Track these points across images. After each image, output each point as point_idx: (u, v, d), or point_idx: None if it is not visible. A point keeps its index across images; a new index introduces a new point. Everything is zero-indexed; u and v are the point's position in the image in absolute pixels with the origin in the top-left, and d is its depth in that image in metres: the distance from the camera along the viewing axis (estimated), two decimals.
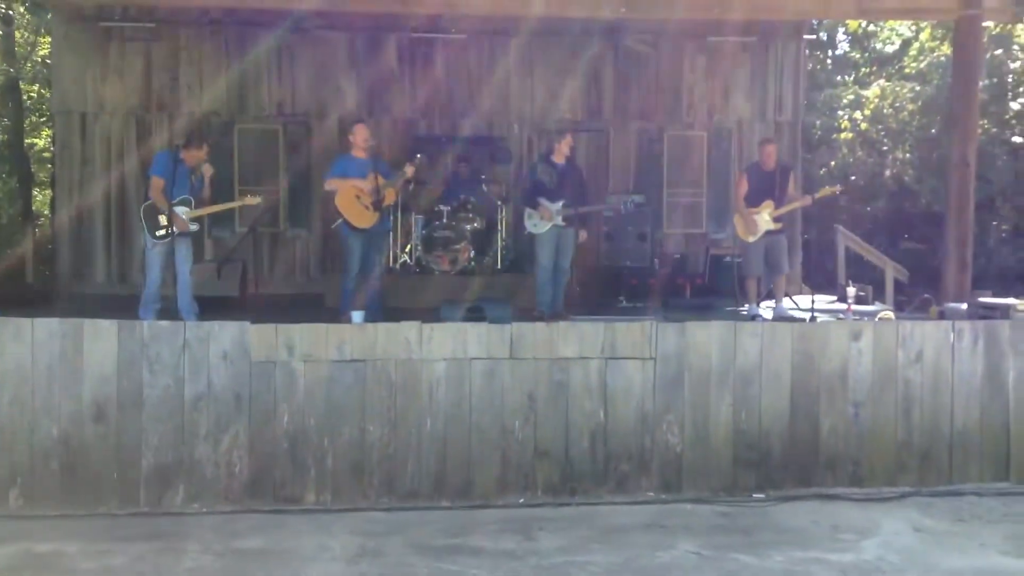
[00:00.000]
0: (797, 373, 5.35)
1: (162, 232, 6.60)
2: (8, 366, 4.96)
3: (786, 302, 7.95)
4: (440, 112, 10.47)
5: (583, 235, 7.37)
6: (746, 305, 7.70)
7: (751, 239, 7.62)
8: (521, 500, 5.19)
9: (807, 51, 12.82)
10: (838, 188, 8.73)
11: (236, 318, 5.22)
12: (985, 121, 12.18)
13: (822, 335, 5.42)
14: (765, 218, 7.56)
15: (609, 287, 9.54)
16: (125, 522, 4.78)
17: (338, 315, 6.37)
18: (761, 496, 5.25)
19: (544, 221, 7.13)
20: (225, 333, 5.08)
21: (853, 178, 13.80)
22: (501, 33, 10.22)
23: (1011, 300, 5.94)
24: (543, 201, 7.09)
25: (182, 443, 4.99)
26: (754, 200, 7.63)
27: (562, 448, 5.25)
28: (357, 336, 5.22)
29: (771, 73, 10.99)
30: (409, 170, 7.00)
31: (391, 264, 9.07)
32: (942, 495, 5.24)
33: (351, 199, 6.74)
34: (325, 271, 9.70)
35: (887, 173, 13.92)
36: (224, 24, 10.01)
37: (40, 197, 15.36)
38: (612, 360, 5.30)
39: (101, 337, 4.98)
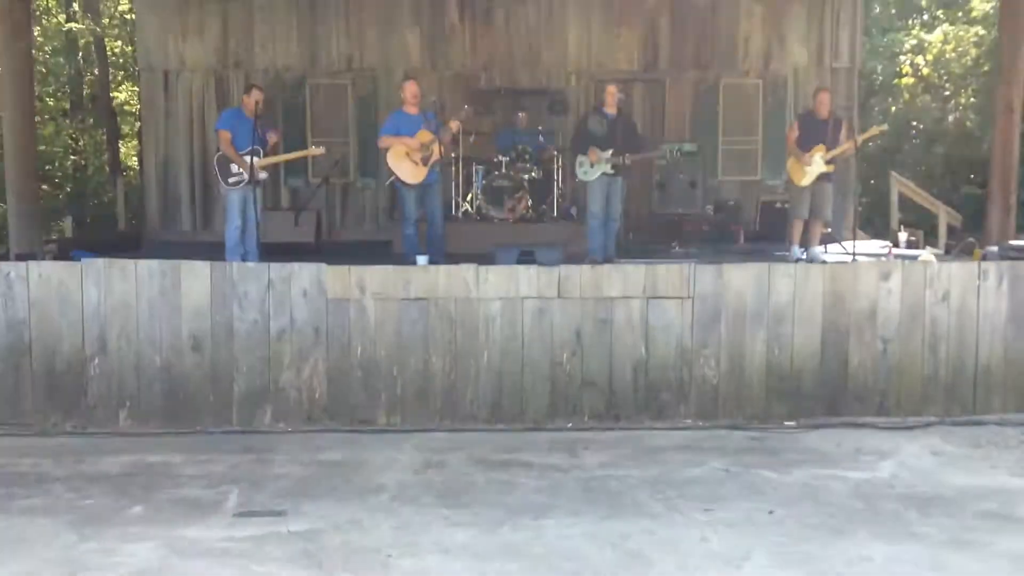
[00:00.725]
0: (828, 312, 5.72)
1: (234, 180, 7.25)
2: (115, 302, 5.63)
3: (829, 247, 8.24)
4: (499, 65, 10.89)
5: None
6: (790, 247, 8.03)
7: (803, 182, 7.92)
8: (569, 425, 5.71)
9: None
10: (884, 127, 8.89)
11: (312, 261, 5.81)
12: None
13: (852, 275, 5.78)
14: (817, 161, 7.82)
15: (663, 233, 9.94)
16: (220, 439, 5.45)
17: (403, 259, 6.93)
18: (792, 424, 5.68)
19: (594, 168, 7.54)
20: (305, 273, 5.67)
21: (915, 123, 13.81)
22: None
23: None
24: (594, 148, 7.49)
25: (268, 370, 5.63)
26: (806, 146, 7.91)
27: (606, 379, 5.74)
28: (421, 276, 5.76)
29: (827, 19, 11.12)
30: (453, 125, 7.44)
31: (453, 211, 9.61)
32: (965, 424, 5.60)
33: (401, 155, 7.22)
34: (392, 219, 10.30)
35: (950, 118, 13.88)
36: None
37: (124, 149, 16.27)
38: (653, 299, 5.75)
39: (196, 276, 5.62)
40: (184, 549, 3.79)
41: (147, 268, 5.67)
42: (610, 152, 7.54)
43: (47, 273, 5.62)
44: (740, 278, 5.77)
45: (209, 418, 5.64)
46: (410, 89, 7.39)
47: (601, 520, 4.12)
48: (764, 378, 5.76)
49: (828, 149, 7.80)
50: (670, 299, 5.77)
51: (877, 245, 9.79)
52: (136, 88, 14.54)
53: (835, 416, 5.73)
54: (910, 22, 16.27)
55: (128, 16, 14.81)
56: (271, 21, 10.79)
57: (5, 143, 8.51)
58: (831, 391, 5.77)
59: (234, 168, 7.28)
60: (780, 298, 5.74)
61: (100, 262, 5.65)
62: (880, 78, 14.46)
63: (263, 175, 7.41)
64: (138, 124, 14.99)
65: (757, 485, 4.60)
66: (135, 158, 16.39)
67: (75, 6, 14.75)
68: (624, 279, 5.77)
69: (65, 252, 8.11)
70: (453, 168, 9.62)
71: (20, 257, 7.09)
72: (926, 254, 7.99)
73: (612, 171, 7.57)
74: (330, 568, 3.62)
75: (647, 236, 10.06)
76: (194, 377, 5.64)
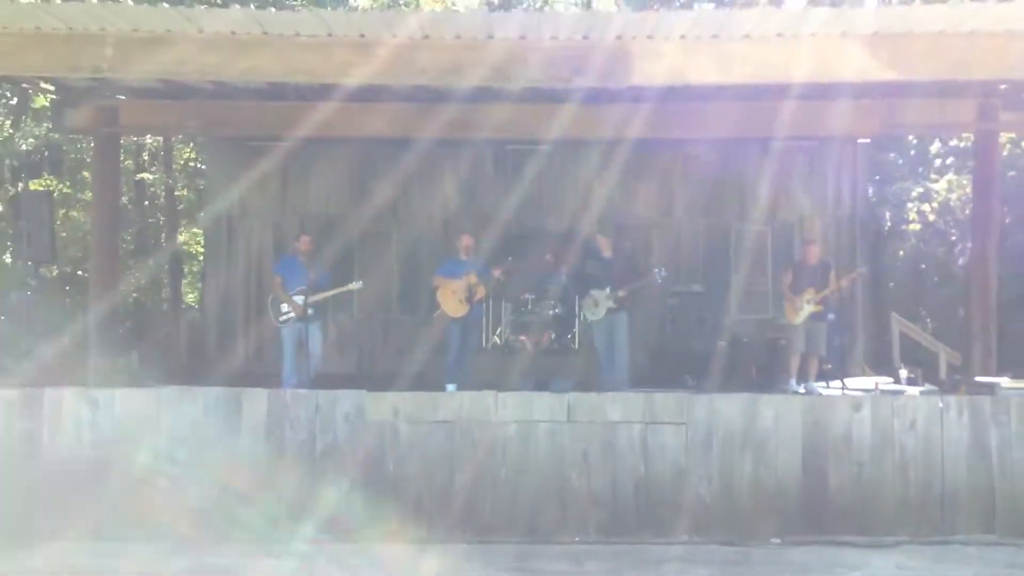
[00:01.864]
0: (807, 438, 6.43)
1: (284, 318, 8.36)
2: (184, 424, 6.54)
3: (830, 382, 8.99)
4: (530, 213, 12.01)
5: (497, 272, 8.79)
6: (788, 380, 8.79)
7: (796, 321, 8.77)
8: (577, 539, 6.39)
9: (875, 149, 13.94)
10: (862, 271, 9.81)
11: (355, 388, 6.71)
12: None
13: (829, 405, 6.52)
14: (807, 302, 8.69)
15: (679, 367, 10.71)
16: (271, 545, 6.23)
17: (436, 386, 7.83)
18: (778, 540, 6.30)
19: (596, 308, 8.49)
20: (347, 399, 6.56)
21: (923, 267, 14.61)
22: (583, 144, 11.72)
23: (1000, 379, 6.87)
24: (593, 291, 8.46)
25: (312, 483, 6.43)
26: (797, 289, 8.81)
27: (610, 496, 6.45)
28: (448, 401, 6.62)
29: (828, 173, 12.13)
30: (496, 272, 8.60)
31: (484, 344, 10.52)
32: (933, 543, 6.17)
33: (448, 294, 8.37)
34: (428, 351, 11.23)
35: (960, 261, 14.63)
36: (347, 142, 11.85)
37: (187, 289, 17.60)
38: (651, 424, 6.52)
39: (256, 400, 6.54)
40: None
41: (213, 393, 6.60)
42: (608, 290, 8.48)
43: (127, 397, 6.59)
44: (729, 406, 6.53)
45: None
46: (465, 241, 8.85)
47: None
48: (753, 498, 6.42)
49: (817, 291, 8.68)
50: (667, 424, 6.53)
51: (876, 381, 10.44)
52: (197, 231, 15.90)
53: (818, 534, 6.34)
54: (920, 170, 17.30)
55: (193, 164, 16.39)
56: (325, 173, 12.07)
57: (91, 287, 9.64)
58: (814, 510, 6.40)
59: (284, 308, 8.38)
60: (765, 424, 6.48)
61: (174, 390, 6.61)
62: (889, 224, 15.40)
63: (310, 311, 8.45)
64: (195, 265, 16.39)
65: None
66: (190, 295, 17.72)
67: (144, 155, 16.36)
68: (625, 405, 6.56)
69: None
70: (484, 306, 10.59)
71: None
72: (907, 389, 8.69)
73: (614, 305, 8.50)
74: None
75: (665, 370, 10.82)
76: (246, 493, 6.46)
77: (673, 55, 6.33)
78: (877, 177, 15.32)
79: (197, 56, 6.68)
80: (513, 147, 11.89)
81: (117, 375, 9.43)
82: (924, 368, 10.71)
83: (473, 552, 6.09)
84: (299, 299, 8.46)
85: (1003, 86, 8.14)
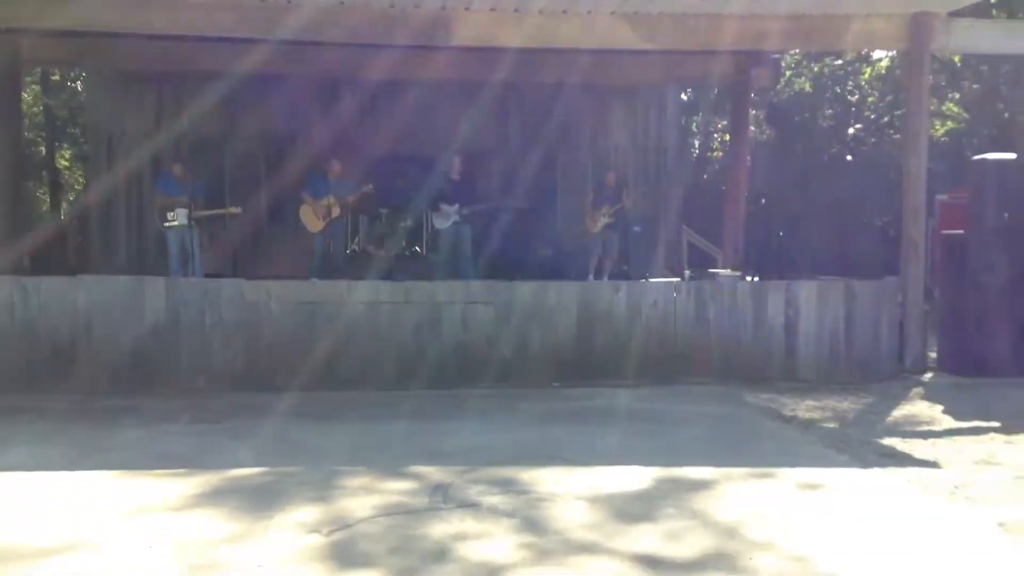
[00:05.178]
0: (580, 312, 8.71)
1: (168, 224, 10.06)
2: (97, 303, 8.21)
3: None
4: (386, 139, 13.76)
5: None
6: (588, 276, 11.13)
7: (595, 230, 11.07)
8: (409, 388, 8.49)
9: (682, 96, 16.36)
10: (643, 190, 12.25)
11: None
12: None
13: (596, 289, 8.83)
14: (603, 215, 10.99)
15: (512, 272, 12.89)
16: (173, 395, 8.05)
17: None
18: (557, 384, 8.58)
19: (444, 220, 10.52)
20: (230, 285, 8.39)
21: (724, 188, 17.32)
22: (437, 81, 13.51)
23: (723, 271, 9.36)
24: (442, 205, 10.48)
25: (203, 349, 8.27)
26: (597, 205, 11.09)
27: (438, 357, 8.56)
28: (310, 288, 8.55)
29: (638, 112, 14.41)
30: (366, 190, 10.50)
31: (345, 251, 12.40)
32: (666, 384, 8.59)
33: (309, 211, 10.20)
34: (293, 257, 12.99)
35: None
36: (222, 75, 13.24)
37: (65, 204, 18.57)
38: (469, 304, 8.65)
39: (156, 286, 8.27)
40: (165, 432, 6.47)
41: (122, 280, 8.30)
42: (456, 207, 10.52)
43: (50, 283, 8.20)
44: (524, 289, 8.73)
45: (167, 386, 8.19)
46: (335, 167, 10.68)
47: (412, 421, 6.96)
48: (541, 355, 8.68)
49: (611, 207, 11.00)
50: (480, 304, 8.67)
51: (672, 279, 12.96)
52: (71, 151, 16.89)
53: (587, 380, 8.65)
54: (728, 106, 20.01)
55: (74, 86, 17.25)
56: (199, 98, 13.43)
57: None
58: (585, 364, 8.71)
59: (169, 215, 10.05)
60: (550, 302, 8.72)
61: (89, 277, 8.27)
62: (696, 152, 17.95)
63: (186, 221, 10.15)
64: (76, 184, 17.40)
65: (518, 408, 7.52)
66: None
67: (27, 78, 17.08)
68: (449, 289, 8.67)
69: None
70: (345, 219, 12.42)
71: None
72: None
73: (459, 218, 10.55)
74: (246, 438, 6.35)
75: (500, 275, 12.98)
76: (155, 357, 8.24)
77: (484, 23, 8.29)
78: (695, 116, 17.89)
79: (99, 15, 8.18)
80: (375, 84, 13.53)
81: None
82: (706, 267, 13.32)
83: (334, 396, 8.09)
84: (182, 211, 10.12)
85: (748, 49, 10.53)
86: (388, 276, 9.48)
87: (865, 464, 5.91)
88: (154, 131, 13.46)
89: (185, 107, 13.44)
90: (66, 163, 18.25)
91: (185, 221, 10.10)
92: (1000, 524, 4.68)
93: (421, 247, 12.65)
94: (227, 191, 13.07)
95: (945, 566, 4.12)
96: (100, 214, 13.58)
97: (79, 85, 17.13)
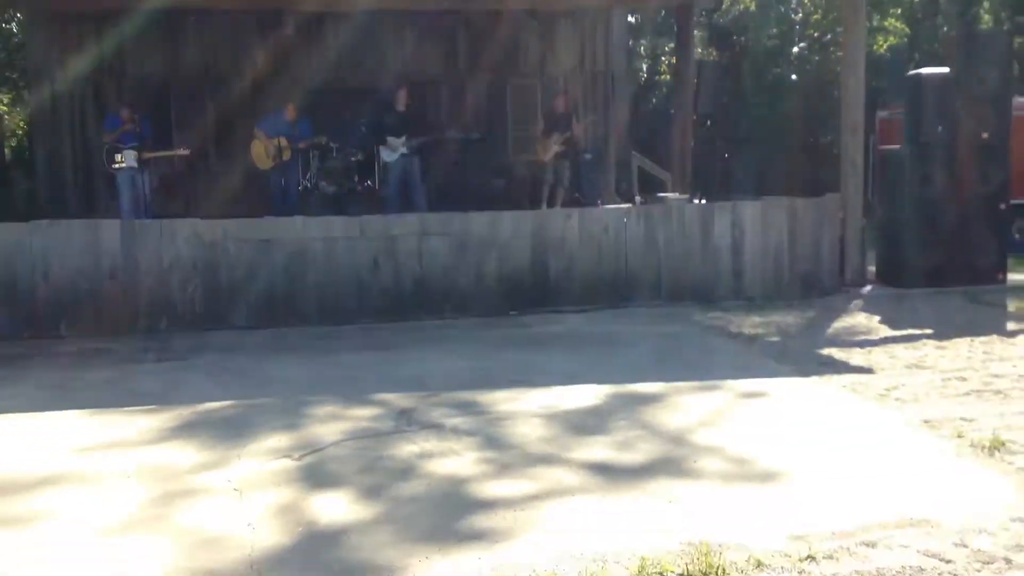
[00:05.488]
0: (534, 240, 8.91)
1: (117, 166, 10.01)
2: (52, 247, 8.22)
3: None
4: (333, 73, 13.66)
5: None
6: (541, 204, 11.31)
7: (545, 159, 11.21)
8: (370, 320, 8.68)
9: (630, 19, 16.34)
10: (593, 119, 12.42)
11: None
12: None
13: (549, 216, 9.03)
14: (554, 143, 11.13)
15: (465, 202, 13.01)
16: (135, 337, 8.15)
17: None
18: (515, 312, 8.83)
19: (392, 153, 10.57)
20: (186, 225, 8.44)
21: (672, 111, 17.50)
22: (382, 11, 13.38)
23: (672, 195, 9.59)
24: (389, 138, 10.52)
25: (162, 290, 8.36)
26: (548, 132, 11.19)
27: (395, 290, 8.75)
28: (266, 225, 8.63)
29: (586, 36, 14.43)
30: (318, 139, 10.66)
31: (299, 186, 12.38)
32: (619, 307, 8.90)
33: (260, 148, 10.17)
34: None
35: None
36: (163, 11, 12.95)
37: (7, 150, 18.10)
38: (424, 236, 8.80)
39: (112, 229, 8.29)
40: (132, 371, 6.61)
41: (79, 224, 8.30)
42: (403, 139, 10.56)
43: (4, 229, 8.18)
44: (479, 220, 8.90)
45: (123, 324, 8.29)
46: (290, 111, 10.74)
47: (375, 352, 7.18)
48: (497, 284, 8.90)
49: (561, 135, 11.12)
50: (436, 235, 8.83)
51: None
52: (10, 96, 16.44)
53: (542, 306, 8.92)
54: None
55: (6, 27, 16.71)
56: (141, 36, 13.17)
57: None
58: (539, 291, 8.95)
59: (117, 157, 9.99)
60: (505, 232, 8.90)
61: (44, 222, 8.26)
62: (644, 75, 18.02)
63: (135, 164, 10.13)
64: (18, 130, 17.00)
65: (476, 336, 7.77)
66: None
67: None
68: (403, 223, 8.81)
69: None
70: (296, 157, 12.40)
71: None
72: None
73: (406, 151, 10.60)
74: (213, 373, 6.53)
75: (451, 206, 13.10)
76: (110, 296, 8.31)
77: None
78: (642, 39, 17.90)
79: None
80: (319, 16, 13.36)
81: None
82: (655, 191, 13.57)
83: (295, 331, 8.26)
84: (130, 153, 10.06)
85: None
86: (342, 211, 9.56)
87: (805, 373, 6.27)
88: (96, 72, 13.19)
89: (126, 46, 13.17)
90: (4, 108, 17.77)
91: (134, 163, 10.07)
92: (925, 421, 5.06)
93: (374, 182, 12.66)
94: (174, 130, 12.94)
95: (871, 458, 4.48)
96: (45, 159, 13.36)
97: (14, 27, 16.62)
